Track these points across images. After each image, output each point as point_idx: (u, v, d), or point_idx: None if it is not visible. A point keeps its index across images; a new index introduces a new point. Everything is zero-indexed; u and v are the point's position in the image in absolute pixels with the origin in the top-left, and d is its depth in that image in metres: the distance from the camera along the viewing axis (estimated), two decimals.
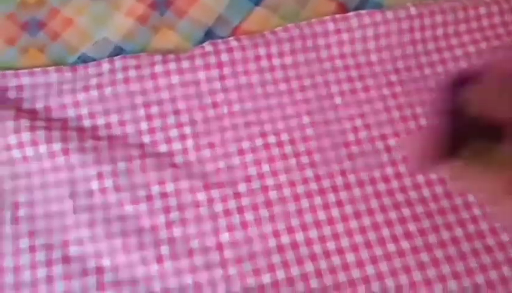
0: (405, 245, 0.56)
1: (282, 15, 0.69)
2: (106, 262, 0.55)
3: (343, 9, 0.70)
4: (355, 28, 0.68)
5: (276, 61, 0.66)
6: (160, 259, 0.55)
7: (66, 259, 0.55)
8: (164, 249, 0.56)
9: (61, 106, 0.62)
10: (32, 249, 0.55)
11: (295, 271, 0.55)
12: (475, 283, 0.55)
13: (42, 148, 0.58)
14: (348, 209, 0.58)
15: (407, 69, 0.68)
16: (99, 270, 0.54)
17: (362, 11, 0.68)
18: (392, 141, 0.63)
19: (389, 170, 0.61)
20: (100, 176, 0.58)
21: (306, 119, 0.63)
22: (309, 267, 0.55)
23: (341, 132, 0.63)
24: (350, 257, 0.56)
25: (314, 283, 0.54)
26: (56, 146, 0.58)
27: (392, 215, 0.58)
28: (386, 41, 0.68)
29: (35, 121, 0.59)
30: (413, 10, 0.68)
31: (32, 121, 0.59)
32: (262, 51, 0.66)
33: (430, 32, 0.69)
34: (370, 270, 0.55)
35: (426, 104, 0.65)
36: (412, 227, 0.57)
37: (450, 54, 0.69)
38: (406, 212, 0.58)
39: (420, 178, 0.60)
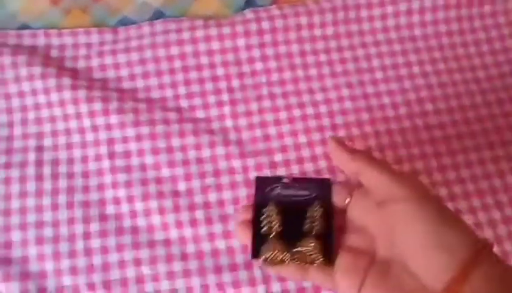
0: None
1: None
2: (141, 222, 0.56)
3: None
4: (399, 0, 0.66)
5: (317, 32, 0.65)
6: (194, 223, 0.56)
7: (102, 217, 0.56)
8: (199, 214, 0.56)
9: (101, 67, 0.62)
10: (70, 205, 0.56)
11: None
12: None
13: (83, 107, 0.59)
14: None
15: (451, 46, 0.66)
16: (134, 230, 0.55)
17: None
18: (432, 119, 0.61)
19: (428, 148, 0.60)
20: (138, 137, 0.59)
21: (345, 92, 0.62)
22: None
23: (380, 107, 0.62)
24: None
25: None
26: (97, 106, 0.59)
27: None
28: (431, 16, 0.66)
29: (76, 80, 0.60)
30: None
31: (73, 80, 0.60)
32: (303, 20, 0.64)
33: (477, 9, 0.67)
34: None
35: (469, 83, 0.64)
36: None
37: (497, 32, 0.67)
38: None
39: None
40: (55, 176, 0.57)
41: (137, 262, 0.54)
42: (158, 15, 0.65)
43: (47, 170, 0.57)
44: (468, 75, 0.64)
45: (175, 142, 0.59)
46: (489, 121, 0.62)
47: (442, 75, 0.64)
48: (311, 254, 0.43)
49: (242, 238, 0.46)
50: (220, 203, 0.57)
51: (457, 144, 0.60)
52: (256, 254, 0.44)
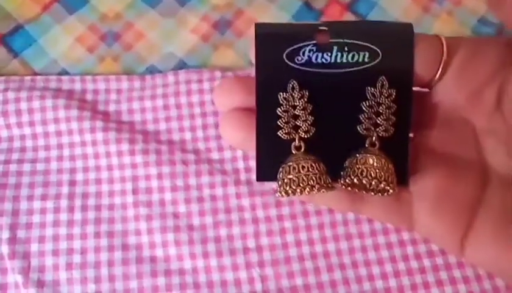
0: None
1: None
2: (159, 253, 0.62)
3: None
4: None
5: None
6: (206, 255, 0.62)
7: (125, 247, 0.62)
8: (211, 247, 0.62)
9: (130, 111, 0.70)
10: (97, 235, 0.63)
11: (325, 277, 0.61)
12: None
13: (112, 147, 0.66)
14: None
15: None
16: (153, 259, 0.62)
17: None
18: None
19: None
20: (160, 176, 0.66)
21: None
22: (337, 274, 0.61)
23: None
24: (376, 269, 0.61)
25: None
26: (124, 147, 0.66)
27: None
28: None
29: (107, 123, 0.68)
30: None
31: (104, 122, 0.68)
32: None
33: None
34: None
35: None
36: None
37: None
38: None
39: None
40: (84, 208, 0.64)
41: (154, 289, 0.60)
42: (181, 65, 0.73)
43: (78, 202, 0.65)
44: None
45: (192, 181, 0.66)
46: None
47: None
48: (374, 180, 0.25)
49: (228, 137, 0.29)
50: (230, 238, 0.63)
51: None
52: (264, 174, 0.29)
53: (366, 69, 0.25)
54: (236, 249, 0.62)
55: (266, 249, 0.62)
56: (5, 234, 0.62)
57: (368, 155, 0.25)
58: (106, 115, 0.69)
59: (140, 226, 0.64)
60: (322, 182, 0.25)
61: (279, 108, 0.27)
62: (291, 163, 0.26)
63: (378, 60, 0.25)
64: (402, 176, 0.26)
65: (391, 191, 0.25)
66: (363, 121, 0.26)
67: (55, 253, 0.62)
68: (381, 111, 0.25)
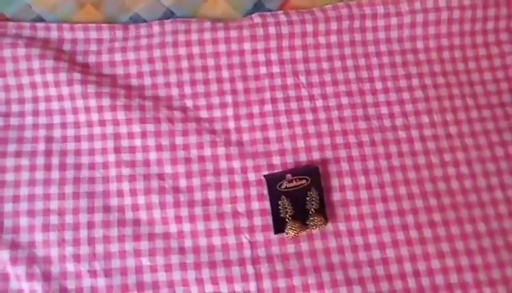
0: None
1: None
2: (143, 216, 0.59)
3: None
4: (404, 13, 0.67)
5: (322, 39, 0.66)
6: (192, 219, 0.59)
7: (106, 208, 0.59)
8: (198, 210, 0.59)
9: (111, 63, 0.64)
10: (76, 195, 0.59)
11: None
12: None
13: (92, 102, 0.61)
14: (389, 191, 0.61)
15: (452, 60, 0.67)
16: (136, 222, 0.58)
17: None
18: (427, 131, 0.64)
19: (421, 159, 0.62)
20: (143, 134, 0.61)
21: (344, 100, 0.64)
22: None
23: (377, 117, 0.64)
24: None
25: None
26: (105, 102, 0.61)
27: (419, 202, 0.60)
28: (434, 30, 0.67)
29: (86, 75, 0.62)
30: (467, 1, 0.67)
31: (83, 75, 0.62)
32: (309, 28, 0.66)
33: (480, 24, 0.68)
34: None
35: (465, 98, 0.66)
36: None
37: (498, 49, 0.68)
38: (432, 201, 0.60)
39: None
40: (62, 167, 0.60)
41: (137, 253, 0.57)
42: (168, 15, 0.67)
43: (55, 160, 0.60)
44: (466, 90, 0.66)
45: (179, 140, 0.61)
46: (482, 135, 0.64)
47: (440, 89, 0.66)
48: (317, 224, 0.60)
49: None
50: (219, 201, 0.60)
51: (450, 157, 0.63)
52: (277, 231, 0.59)
53: (305, 186, 0.61)
54: (224, 214, 0.59)
55: (257, 214, 0.59)
56: None
57: (314, 217, 0.60)
58: (86, 66, 0.64)
59: (123, 187, 0.60)
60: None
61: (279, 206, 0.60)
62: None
63: (309, 181, 0.61)
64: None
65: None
66: (307, 204, 0.61)
67: (31, 213, 0.58)
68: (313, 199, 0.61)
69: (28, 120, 0.62)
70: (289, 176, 0.61)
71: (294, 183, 0.61)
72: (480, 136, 0.64)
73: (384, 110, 0.64)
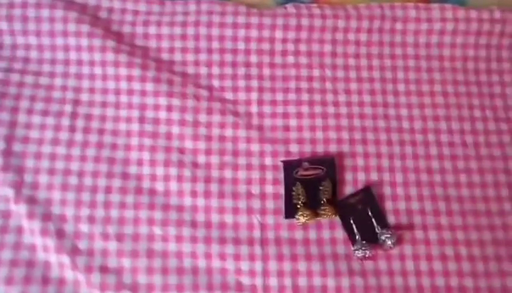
0: None
1: None
2: (160, 186, 0.60)
3: None
4: (435, 19, 0.68)
5: (351, 36, 0.68)
6: (207, 195, 0.60)
7: (125, 175, 0.60)
8: (214, 187, 0.60)
9: (145, 35, 0.65)
10: (97, 160, 0.60)
11: None
12: None
13: (122, 71, 0.63)
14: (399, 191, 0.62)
15: (476, 71, 0.68)
16: (152, 192, 0.60)
17: (447, 5, 0.69)
18: (444, 137, 0.65)
19: (435, 163, 0.63)
20: (169, 108, 0.62)
21: (367, 98, 0.66)
22: None
23: (397, 117, 0.65)
24: None
25: None
26: (136, 72, 0.63)
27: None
28: (462, 39, 0.68)
29: (120, 44, 0.64)
30: (497, 14, 0.68)
31: (117, 44, 0.64)
32: (341, 23, 0.67)
33: (509, 40, 0.69)
34: None
35: (484, 109, 0.67)
36: None
37: None
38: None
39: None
40: (87, 130, 0.61)
41: (150, 222, 0.58)
42: None
43: (80, 123, 0.61)
44: (486, 102, 0.67)
45: (202, 118, 0.63)
46: (498, 147, 0.65)
47: (461, 98, 0.67)
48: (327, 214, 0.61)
49: None
50: (235, 181, 0.61)
51: (463, 165, 0.64)
52: (288, 216, 0.60)
53: (320, 175, 0.62)
54: (239, 194, 0.60)
55: (270, 197, 0.60)
56: (0, 145, 0.59)
57: (325, 207, 0.62)
58: (120, 36, 0.65)
59: (143, 156, 0.61)
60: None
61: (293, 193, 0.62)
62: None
63: (324, 171, 0.62)
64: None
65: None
66: (321, 194, 0.62)
67: (51, 171, 0.59)
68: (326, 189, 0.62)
69: (58, 81, 0.63)
70: (306, 164, 0.62)
71: (310, 172, 0.62)
72: (495, 147, 0.65)
73: (404, 112, 0.66)
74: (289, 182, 0.61)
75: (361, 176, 0.62)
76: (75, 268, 0.55)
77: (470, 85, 0.68)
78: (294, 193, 0.61)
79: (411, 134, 0.65)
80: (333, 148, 0.63)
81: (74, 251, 0.56)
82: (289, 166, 0.62)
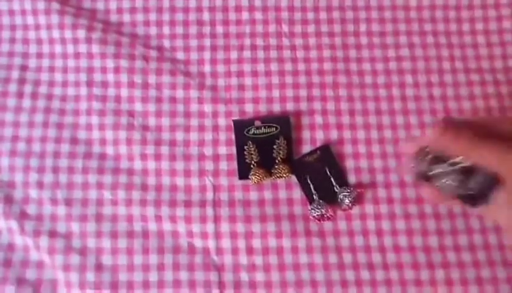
0: None
1: None
2: (109, 150, 0.58)
3: None
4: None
5: None
6: (158, 157, 0.58)
7: (73, 140, 0.59)
8: (164, 149, 0.58)
9: None
10: (45, 125, 0.59)
11: None
12: None
13: (68, 33, 0.61)
14: (361, 148, 0.59)
15: (445, 20, 0.64)
16: (102, 156, 0.58)
17: None
18: (409, 91, 0.61)
19: (399, 119, 0.60)
20: (117, 69, 0.61)
21: (327, 53, 0.62)
22: None
23: (358, 72, 0.62)
24: None
25: None
26: (81, 34, 0.61)
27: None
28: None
29: (64, 6, 0.62)
30: None
31: (61, 6, 0.62)
32: None
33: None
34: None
35: (453, 60, 0.63)
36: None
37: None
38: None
39: None
40: (34, 96, 0.60)
41: (99, 186, 0.57)
42: None
43: (28, 89, 0.60)
44: (457, 53, 0.63)
45: (151, 79, 0.61)
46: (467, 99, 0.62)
47: (428, 49, 0.63)
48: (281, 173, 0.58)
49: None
50: (186, 143, 0.59)
51: (430, 119, 0.60)
52: (241, 176, 0.58)
53: (274, 134, 0.59)
54: (191, 155, 0.58)
55: (223, 158, 0.58)
56: None
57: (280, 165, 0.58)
58: None
59: (92, 120, 0.59)
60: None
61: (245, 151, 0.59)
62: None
63: (278, 130, 0.59)
64: None
65: None
66: (275, 153, 0.59)
67: None
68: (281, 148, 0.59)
69: (5, 47, 0.62)
70: (258, 122, 0.59)
71: (263, 130, 0.59)
72: (464, 100, 0.61)
73: (366, 66, 0.62)
74: (241, 142, 0.59)
75: (320, 135, 0.59)
76: (24, 233, 0.55)
77: (438, 35, 0.64)
78: (246, 152, 0.58)
79: (374, 89, 0.62)
80: (290, 107, 0.60)
81: (23, 216, 0.55)
82: (241, 126, 0.59)
